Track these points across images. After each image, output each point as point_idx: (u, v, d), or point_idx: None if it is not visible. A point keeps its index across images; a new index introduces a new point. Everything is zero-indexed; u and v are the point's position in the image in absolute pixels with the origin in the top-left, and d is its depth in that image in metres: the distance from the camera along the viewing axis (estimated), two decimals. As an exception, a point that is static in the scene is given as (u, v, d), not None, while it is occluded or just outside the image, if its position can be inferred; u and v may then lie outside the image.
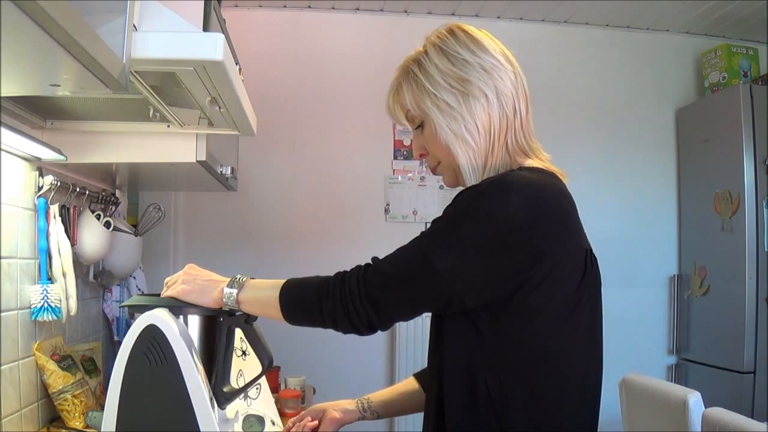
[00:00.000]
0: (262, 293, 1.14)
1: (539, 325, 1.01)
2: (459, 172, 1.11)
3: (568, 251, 1.02)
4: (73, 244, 1.79)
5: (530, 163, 1.11)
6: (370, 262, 1.08)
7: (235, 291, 1.14)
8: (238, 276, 1.17)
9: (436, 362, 1.09)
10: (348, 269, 1.08)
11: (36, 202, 1.66)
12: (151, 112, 1.47)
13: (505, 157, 1.09)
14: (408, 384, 1.36)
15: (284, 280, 1.13)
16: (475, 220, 0.99)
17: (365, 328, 1.05)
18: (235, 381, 1.32)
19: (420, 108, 1.11)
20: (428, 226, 1.06)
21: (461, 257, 0.99)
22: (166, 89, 1.31)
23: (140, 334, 1.17)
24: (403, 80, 1.14)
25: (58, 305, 1.66)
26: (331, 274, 1.11)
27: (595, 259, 1.09)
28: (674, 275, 3.27)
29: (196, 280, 1.19)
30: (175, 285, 1.20)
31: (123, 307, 1.48)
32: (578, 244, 1.06)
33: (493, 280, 0.99)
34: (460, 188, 1.09)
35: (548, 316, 1.01)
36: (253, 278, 1.18)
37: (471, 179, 1.09)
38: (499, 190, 0.99)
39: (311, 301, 1.08)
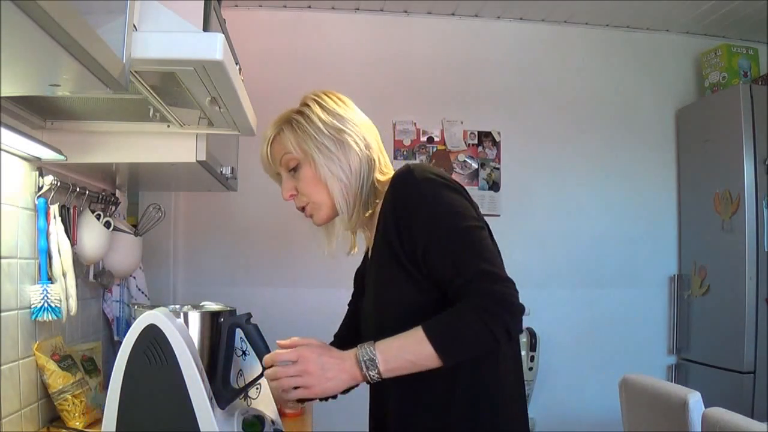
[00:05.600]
0: (407, 356, 1.11)
1: None
2: (330, 209, 1.31)
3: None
4: (73, 244, 1.79)
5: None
6: (483, 273, 1.13)
7: (375, 372, 1.11)
8: (366, 351, 1.12)
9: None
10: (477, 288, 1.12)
11: (36, 202, 1.66)
12: (151, 112, 1.47)
13: (371, 191, 1.31)
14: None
15: (416, 331, 1.11)
16: (441, 192, 1.19)
17: (518, 294, 1.14)
18: (235, 381, 1.32)
19: (302, 149, 1.30)
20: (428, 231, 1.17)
21: (467, 208, 1.21)
22: (166, 89, 1.31)
23: (140, 334, 1.17)
24: (285, 127, 1.32)
25: (58, 305, 1.66)
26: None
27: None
28: (674, 275, 3.26)
29: (325, 371, 1.13)
30: (295, 382, 1.14)
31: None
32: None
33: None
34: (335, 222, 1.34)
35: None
36: (373, 346, 1.13)
37: (344, 213, 1.29)
38: (420, 170, 1.22)
39: (477, 333, 1.10)
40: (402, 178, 1.22)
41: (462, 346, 1.11)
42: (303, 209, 1.35)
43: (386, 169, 1.35)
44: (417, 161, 1.26)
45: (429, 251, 1.15)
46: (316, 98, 1.34)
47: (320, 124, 1.29)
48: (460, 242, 1.15)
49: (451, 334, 1.11)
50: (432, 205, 1.17)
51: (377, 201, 1.30)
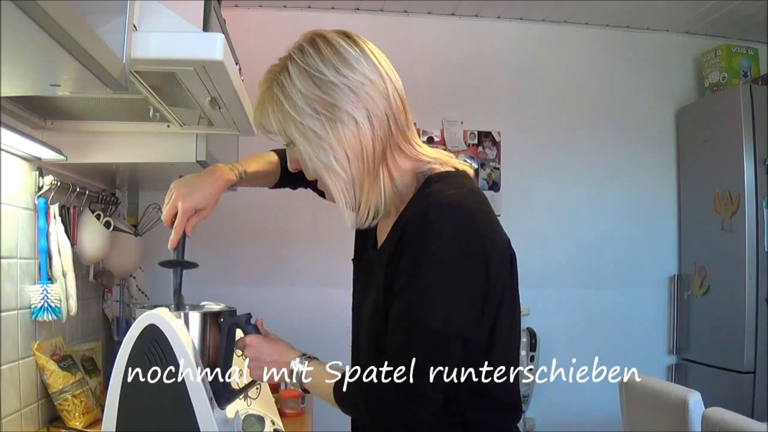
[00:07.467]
0: (319, 388, 1.12)
1: (500, 320, 1.06)
2: None
3: (501, 251, 1.07)
4: (73, 244, 1.79)
5: (425, 167, 1.07)
6: (379, 370, 0.99)
7: (298, 381, 1.14)
8: (300, 362, 1.14)
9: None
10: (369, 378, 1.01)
11: (36, 202, 1.66)
12: (151, 112, 1.47)
13: (384, 171, 1.05)
14: (271, 157, 1.40)
15: (335, 380, 1.07)
16: (438, 267, 0.97)
17: (429, 414, 1.01)
18: (235, 381, 1.32)
19: (286, 134, 1.04)
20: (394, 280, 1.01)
21: (450, 304, 0.98)
22: (166, 89, 1.31)
23: (140, 334, 1.17)
24: (267, 101, 1.05)
25: (58, 305, 1.66)
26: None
27: (514, 252, 1.12)
28: (674, 275, 3.26)
29: (260, 361, 1.18)
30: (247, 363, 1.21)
31: None
32: (505, 240, 1.09)
33: (477, 306, 1.01)
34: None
35: (505, 313, 1.06)
36: (312, 359, 1.14)
37: (344, 207, 1.04)
38: (440, 228, 0.97)
39: (367, 415, 1.07)
40: (423, 222, 0.98)
41: (358, 415, 1.10)
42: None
43: (410, 151, 1.06)
44: (454, 190, 1.03)
45: (391, 314, 1.01)
46: (300, 58, 1.01)
47: (302, 102, 1.00)
48: (413, 338, 0.97)
49: (352, 403, 1.05)
50: (419, 280, 0.97)
51: (400, 206, 1.07)
